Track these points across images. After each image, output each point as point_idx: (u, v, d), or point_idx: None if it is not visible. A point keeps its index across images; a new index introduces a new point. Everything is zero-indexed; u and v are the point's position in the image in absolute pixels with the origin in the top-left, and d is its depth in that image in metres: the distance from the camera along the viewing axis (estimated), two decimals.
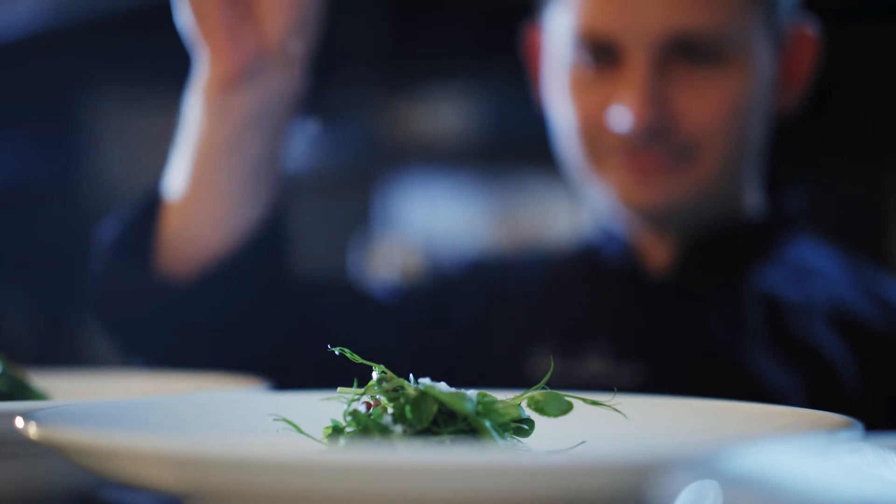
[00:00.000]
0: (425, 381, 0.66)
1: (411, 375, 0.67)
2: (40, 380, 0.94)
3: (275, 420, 0.69)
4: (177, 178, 1.09)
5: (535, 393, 0.68)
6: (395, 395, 0.65)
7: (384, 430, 0.63)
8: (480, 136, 3.59)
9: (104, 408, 0.72)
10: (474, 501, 0.51)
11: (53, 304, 3.47)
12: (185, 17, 1.06)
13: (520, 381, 1.04)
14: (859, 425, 0.62)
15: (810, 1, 1.25)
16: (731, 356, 1.15)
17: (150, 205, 1.09)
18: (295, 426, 0.68)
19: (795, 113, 1.24)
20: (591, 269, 1.27)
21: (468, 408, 0.64)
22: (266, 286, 1.13)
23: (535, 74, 1.27)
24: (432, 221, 3.74)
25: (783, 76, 1.20)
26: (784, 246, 1.23)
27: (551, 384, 0.69)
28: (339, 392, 0.68)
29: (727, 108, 1.14)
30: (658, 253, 1.22)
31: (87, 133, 3.88)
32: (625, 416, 0.69)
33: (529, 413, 0.68)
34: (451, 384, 0.66)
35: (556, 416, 0.68)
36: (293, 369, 1.12)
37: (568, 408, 0.68)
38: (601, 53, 1.14)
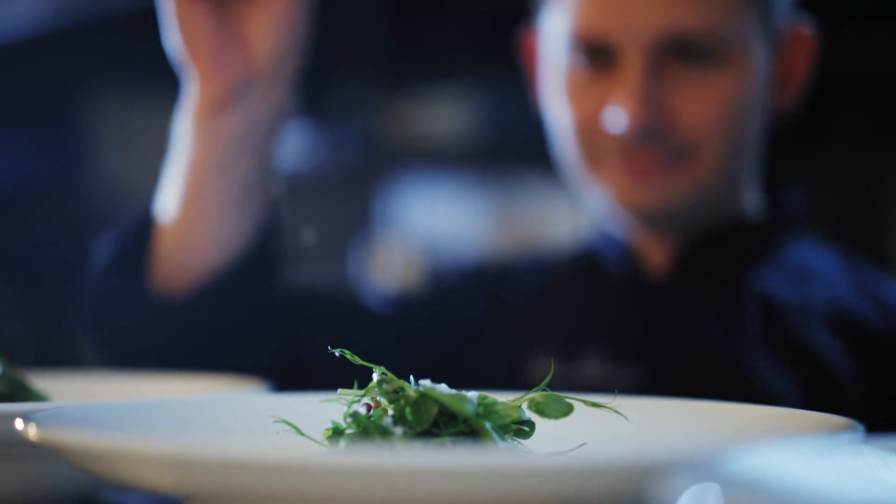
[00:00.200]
0: (426, 382, 0.66)
1: (412, 377, 0.67)
2: (40, 381, 0.94)
3: (275, 422, 0.69)
4: (169, 199, 1.10)
5: (535, 395, 0.68)
6: (395, 396, 0.65)
7: (384, 432, 0.63)
8: (480, 136, 3.59)
9: (104, 410, 0.72)
10: None
11: (53, 306, 3.47)
12: (173, 41, 1.07)
13: (518, 384, 1.04)
14: (860, 427, 0.62)
15: (809, 1, 1.25)
16: (729, 358, 1.15)
17: (144, 226, 1.11)
18: (295, 428, 0.68)
19: (793, 113, 1.24)
20: (590, 272, 1.27)
21: (469, 410, 0.64)
22: (260, 300, 1.14)
23: (532, 78, 1.27)
24: (432, 222, 3.74)
25: (780, 76, 1.20)
26: (783, 247, 1.22)
27: (550, 386, 0.69)
28: (340, 394, 0.68)
29: (723, 108, 1.14)
30: (656, 254, 1.22)
31: (87, 134, 3.88)
32: (625, 417, 0.69)
33: (530, 415, 0.68)
34: (450, 387, 0.66)
35: (556, 417, 0.68)
36: (291, 372, 1.12)
37: (568, 409, 0.68)
38: (597, 55, 1.14)
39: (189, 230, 1.09)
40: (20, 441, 0.63)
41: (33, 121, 3.78)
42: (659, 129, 1.12)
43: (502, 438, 0.65)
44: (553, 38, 1.19)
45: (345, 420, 0.65)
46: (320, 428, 0.67)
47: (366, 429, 0.64)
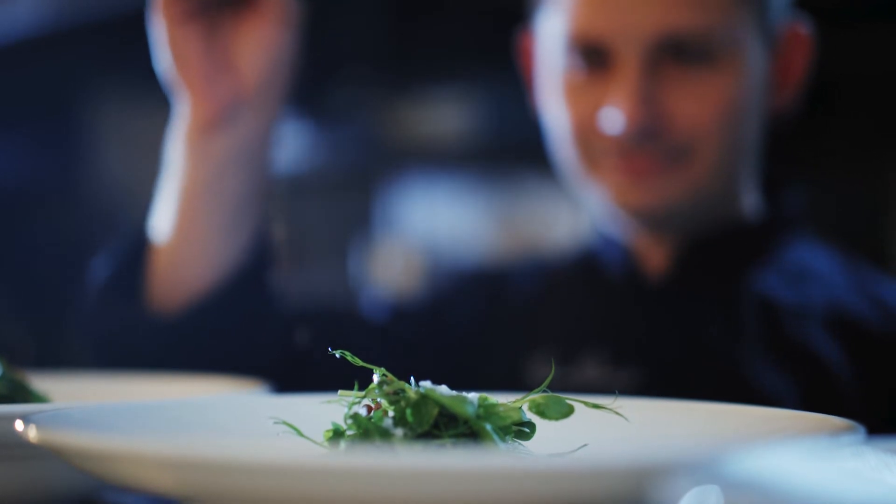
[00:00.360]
0: (426, 384, 0.66)
1: (412, 379, 0.67)
2: (40, 382, 0.94)
3: (275, 423, 0.68)
4: (163, 219, 1.12)
5: (536, 396, 0.68)
6: (395, 398, 0.65)
7: (385, 434, 0.63)
8: (481, 137, 3.59)
9: (104, 411, 0.72)
10: None
11: (53, 306, 3.47)
12: (164, 64, 1.09)
13: (518, 386, 1.04)
14: (861, 429, 0.62)
15: (808, 1, 1.25)
16: (728, 359, 1.15)
17: (139, 246, 1.13)
18: (295, 429, 0.67)
19: (791, 113, 1.24)
20: (589, 274, 1.27)
21: (469, 411, 0.64)
22: (255, 315, 1.15)
23: (530, 80, 1.27)
24: (432, 223, 3.74)
25: (777, 76, 1.20)
26: (782, 247, 1.22)
27: (550, 389, 0.69)
28: (340, 395, 0.68)
29: (720, 108, 1.14)
30: (655, 256, 1.22)
31: (87, 134, 3.88)
32: (626, 419, 0.69)
33: (530, 416, 0.68)
34: (450, 388, 0.66)
35: (557, 419, 0.68)
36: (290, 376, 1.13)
37: (569, 411, 0.68)
38: (593, 57, 1.14)
39: (183, 249, 1.11)
40: (20, 442, 0.63)
41: (33, 121, 3.78)
42: (655, 130, 1.12)
43: (503, 440, 0.65)
44: (549, 39, 1.19)
45: (345, 421, 0.65)
46: (321, 429, 0.67)
47: (366, 430, 0.63)
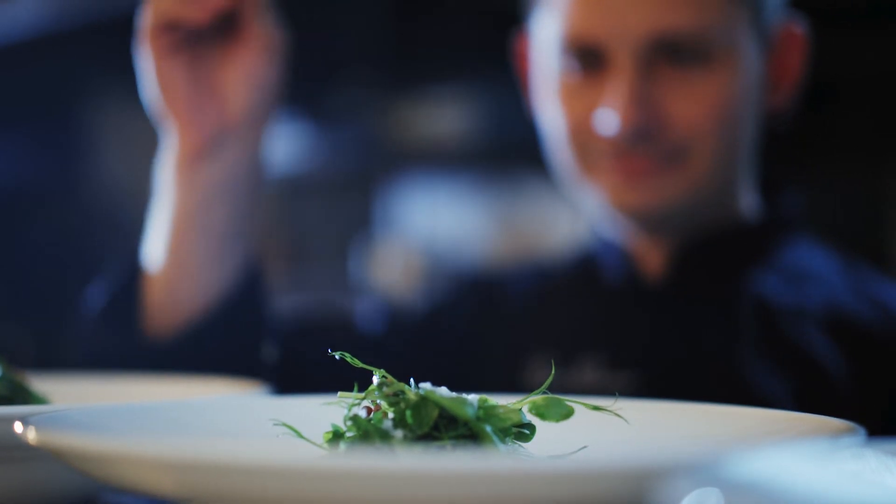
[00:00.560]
0: (426, 385, 0.66)
1: (412, 380, 0.67)
2: (40, 384, 0.93)
3: (275, 424, 0.68)
4: (155, 248, 1.14)
5: (536, 398, 0.68)
6: (395, 399, 0.65)
7: (385, 435, 0.63)
8: (481, 139, 3.59)
9: (104, 412, 0.72)
10: None
11: (53, 307, 3.47)
12: (150, 95, 1.11)
13: (516, 390, 1.04)
14: (861, 431, 0.62)
15: (807, 1, 1.25)
16: (726, 361, 1.15)
17: (133, 275, 1.15)
18: (295, 431, 0.67)
19: (787, 112, 1.24)
20: (587, 277, 1.27)
21: (469, 413, 0.64)
22: (250, 334, 1.16)
23: (525, 83, 1.27)
24: (433, 224, 3.74)
25: (772, 75, 1.20)
26: (780, 249, 1.22)
27: (549, 391, 0.69)
28: (340, 396, 0.68)
29: (715, 108, 1.14)
30: (653, 258, 1.22)
31: (87, 134, 3.88)
32: (626, 420, 0.69)
33: (530, 418, 0.68)
34: (450, 390, 0.66)
35: (557, 421, 0.68)
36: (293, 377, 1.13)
37: (569, 413, 0.68)
38: (588, 58, 1.14)
39: (176, 276, 1.13)
40: (20, 444, 0.63)
41: (33, 121, 3.78)
42: (651, 130, 1.12)
43: (503, 442, 0.65)
44: (544, 42, 1.19)
45: (345, 423, 0.65)
46: (320, 431, 0.67)
47: (366, 432, 0.63)
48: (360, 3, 3.23)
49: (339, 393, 0.68)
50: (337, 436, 0.66)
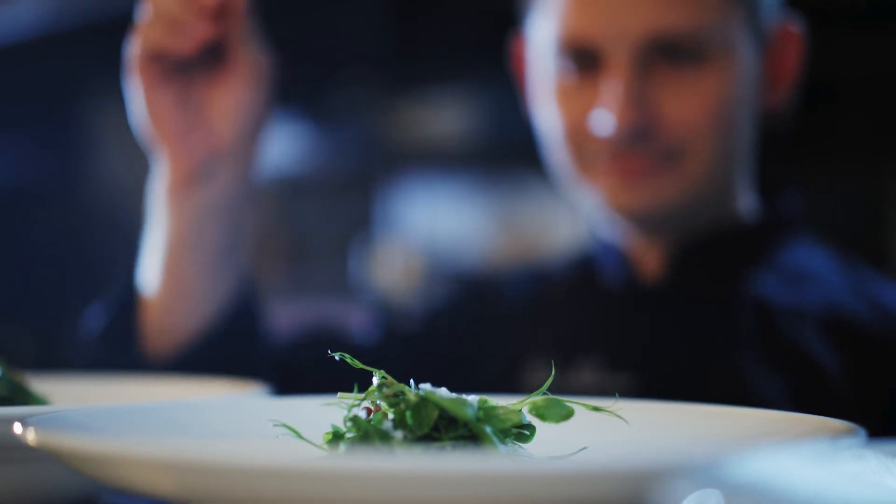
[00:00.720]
0: (426, 386, 0.66)
1: (412, 381, 0.67)
2: (40, 384, 0.93)
3: (275, 425, 0.68)
4: (150, 272, 1.15)
5: (535, 399, 0.68)
6: (395, 400, 0.65)
7: (384, 436, 0.63)
8: (481, 139, 3.59)
9: (103, 413, 0.72)
10: None
11: (53, 307, 3.47)
12: (139, 122, 1.12)
13: (515, 392, 1.04)
14: (861, 431, 0.62)
15: (808, 2, 1.25)
16: (725, 362, 1.15)
17: (130, 299, 1.16)
18: (295, 432, 0.67)
19: (784, 112, 1.23)
20: (585, 278, 1.27)
21: (469, 414, 0.64)
22: (245, 353, 1.17)
23: (522, 85, 1.27)
24: (433, 224, 3.74)
25: (769, 75, 1.20)
26: (779, 249, 1.22)
27: (548, 392, 0.69)
28: (340, 397, 0.68)
29: (711, 108, 1.14)
30: (651, 259, 1.22)
31: (87, 134, 3.88)
32: (626, 421, 0.69)
33: (530, 419, 0.68)
34: (449, 391, 0.66)
35: (557, 421, 0.68)
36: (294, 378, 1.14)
37: (569, 413, 0.68)
38: (584, 59, 1.14)
39: (171, 299, 1.14)
40: (19, 444, 0.63)
41: (33, 121, 3.78)
42: (647, 131, 1.12)
43: (503, 442, 0.65)
44: (540, 44, 1.19)
45: (345, 424, 0.65)
46: (320, 432, 0.67)
47: (366, 433, 0.63)
48: (360, 3, 3.23)
49: (339, 394, 0.68)
50: (337, 437, 0.66)
